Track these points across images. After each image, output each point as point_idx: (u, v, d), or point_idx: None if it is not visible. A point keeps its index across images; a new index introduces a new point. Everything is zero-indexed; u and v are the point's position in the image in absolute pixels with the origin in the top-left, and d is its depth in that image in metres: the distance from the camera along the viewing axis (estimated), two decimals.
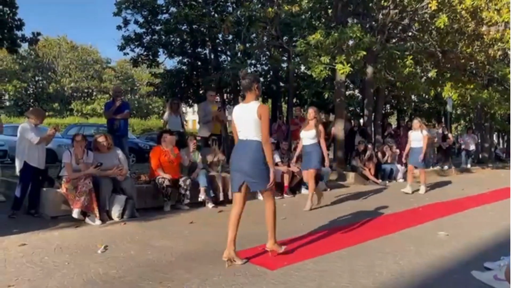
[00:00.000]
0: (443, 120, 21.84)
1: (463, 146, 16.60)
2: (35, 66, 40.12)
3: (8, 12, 11.45)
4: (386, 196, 8.54)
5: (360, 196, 8.46)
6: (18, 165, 5.78)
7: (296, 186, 8.60)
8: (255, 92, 3.81)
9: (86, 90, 43.23)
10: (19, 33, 11.83)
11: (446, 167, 14.61)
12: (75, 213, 5.32)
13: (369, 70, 11.92)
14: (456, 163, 16.36)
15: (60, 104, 40.00)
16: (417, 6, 10.57)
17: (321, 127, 6.72)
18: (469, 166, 16.00)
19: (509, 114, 20.92)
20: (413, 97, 19.78)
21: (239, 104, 3.96)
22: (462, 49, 11.70)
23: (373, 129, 13.31)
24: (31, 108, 6.39)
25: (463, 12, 10.24)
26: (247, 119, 3.75)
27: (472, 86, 13.62)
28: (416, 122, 9.13)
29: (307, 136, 6.76)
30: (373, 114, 13.23)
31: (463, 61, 12.75)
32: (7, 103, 39.51)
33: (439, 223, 5.65)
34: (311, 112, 6.88)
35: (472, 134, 16.88)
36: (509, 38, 10.53)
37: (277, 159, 8.57)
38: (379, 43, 10.97)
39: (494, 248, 4.31)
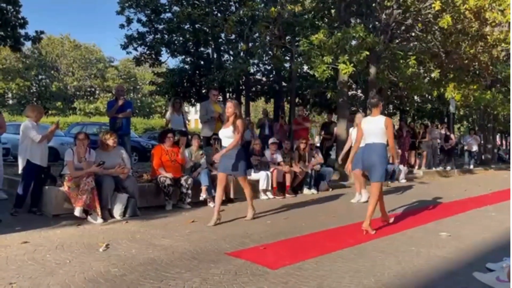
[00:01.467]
0: (445, 120, 21.78)
1: (465, 147, 16.57)
2: (38, 64, 40.25)
3: (12, 10, 11.48)
4: (387, 196, 8.52)
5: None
6: (21, 163, 5.79)
7: (298, 186, 8.61)
8: (379, 109, 5.28)
9: (89, 89, 43.37)
10: (22, 32, 11.87)
11: (448, 167, 14.58)
12: (77, 211, 5.34)
13: (372, 70, 11.88)
14: (458, 164, 16.34)
15: (63, 102, 40.13)
16: (420, 6, 10.54)
17: (239, 122, 5.49)
18: (471, 167, 15.96)
19: None
20: (416, 97, 19.72)
21: (367, 117, 5.45)
22: (465, 50, 11.65)
23: None
24: (27, 106, 6.38)
25: (467, 12, 10.20)
26: (375, 128, 5.18)
27: (475, 87, 13.57)
28: (359, 117, 7.18)
29: (225, 135, 5.62)
30: None
31: (466, 61, 12.70)
32: (10, 102, 39.63)
33: (441, 224, 5.64)
34: (229, 106, 5.65)
35: (475, 135, 16.85)
36: None
37: (279, 159, 8.57)
38: (382, 43, 10.94)
39: (496, 249, 4.30)
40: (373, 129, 5.20)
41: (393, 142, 5.41)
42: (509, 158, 23.10)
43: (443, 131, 15.18)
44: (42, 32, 12.60)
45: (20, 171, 5.82)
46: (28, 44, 17.31)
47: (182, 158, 6.83)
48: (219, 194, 5.58)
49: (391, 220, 5.67)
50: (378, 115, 5.25)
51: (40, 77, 41.21)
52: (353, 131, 7.92)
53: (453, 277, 3.49)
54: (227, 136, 5.59)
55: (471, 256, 4.09)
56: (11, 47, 12.10)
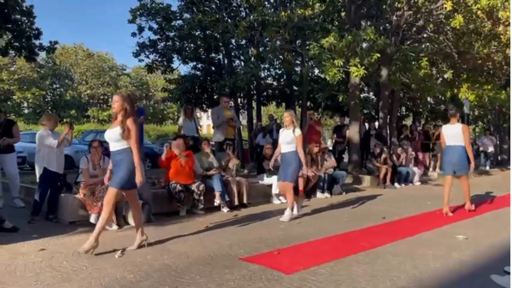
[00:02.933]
0: (460, 122, 21.48)
1: (481, 148, 16.32)
2: (52, 74, 40.89)
3: (26, 21, 11.69)
4: (402, 199, 8.44)
5: (376, 199, 8.39)
6: (38, 171, 5.90)
7: (311, 190, 8.56)
8: (456, 118, 6.66)
9: (102, 97, 43.87)
10: (37, 42, 12.06)
11: None
12: (93, 218, 5.40)
13: (384, 72, 11.82)
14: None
15: (77, 110, 40.65)
16: (431, 7, 10.46)
17: (129, 122, 4.19)
18: (487, 168, 15.72)
19: None
20: (429, 99, 19.51)
21: (447, 125, 6.80)
22: (478, 50, 11.52)
23: (388, 132, 13.19)
24: (43, 115, 6.54)
25: (479, 12, 10.08)
26: (455, 133, 6.48)
27: (489, 87, 13.39)
28: (287, 116, 6.31)
29: (110, 137, 4.33)
30: (388, 116, 13.11)
31: (479, 61, 12.55)
32: (26, 111, 40.31)
33: (457, 226, 5.57)
34: (115, 100, 4.31)
35: (490, 136, 16.60)
36: None
37: None
38: (393, 45, 10.89)
39: None
40: (453, 134, 6.53)
41: (469, 143, 6.58)
42: None
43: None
44: (56, 42, 12.78)
45: (37, 179, 5.92)
46: (42, 54, 17.59)
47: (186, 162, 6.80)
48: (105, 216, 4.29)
49: (472, 207, 6.78)
50: (456, 123, 6.62)
51: (54, 86, 41.87)
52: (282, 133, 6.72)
53: (471, 280, 3.44)
54: (114, 139, 4.27)
55: (488, 259, 4.03)
56: (26, 57, 12.30)
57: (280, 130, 6.47)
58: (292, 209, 6.12)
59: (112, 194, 4.21)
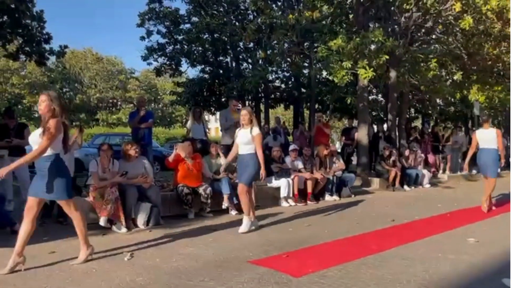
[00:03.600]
0: (470, 123, 21.31)
1: None
2: (62, 78, 41.31)
3: (37, 26, 11.84)
4: (412, 202, 8.38)
5: (385, 202, 8.33)
6: None
7: (319, 192, 8.54)
8: (489, 123, 7.15)
9: (111, 100, 44.22)
10: (47, 47, 12.21)
11: (474, 171, 14.22)
12: (102, 221, 5.44)
13: (392, 74, 11.76)
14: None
15: (86, 114, 41.01)
16: (440, 8, 10.39)
17: (51, 122, 3.71)
18: (498, 170, 15.52)
19: None
20: (438, 100, 19.37)
21: (481, 129, 7.15)
22: (488, 51, 11.42)
23: (397, 134, 13.12)
24: None
25: (489, 13, 10.00)
26: (490, 137, 6.92)
27: (499, 88, 13.25)
28: (245, 114, 5.62)
29: (33, 141, 3.87)
30: (397, 118, 13.05)
31: (489, 63, 12.44)
32: (36, 115, 40.74)
33: (468, 229, 5.51)
34: (42, 100, 3.84)
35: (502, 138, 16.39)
36: None
37: (300, 165, 8.54)
38: (402, 47, 10.83)
39: None
40: (487, 138, 6.97)
41: (502, 146, 7.01)
42: None
43: (461, 133, 14.77)
44: (66, 47, 12.93)
45: None
46: (52, 59, 17.79)
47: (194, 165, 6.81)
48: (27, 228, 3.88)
49: (486, 209, 7.00)
50: (489, 127, 7.07)
51: (64, 90, 42.24)
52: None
53: (482, 284, 3.41)
54: (36, 142, 3.78)
55: (499, 263, 3.98)
56: (36, 61, 12.46)
57: (237, 130, 5.83)
58: (248, 215, 5.50)
59: (29, 204, 3.90)
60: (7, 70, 36.20)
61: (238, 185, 5.59)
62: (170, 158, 6.68)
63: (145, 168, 6.25)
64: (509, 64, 12.34)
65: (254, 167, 5.48)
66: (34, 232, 5.15)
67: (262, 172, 5.49)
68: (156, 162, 12.74)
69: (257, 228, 5.55)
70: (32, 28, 11.70)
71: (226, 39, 15.12)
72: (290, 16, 11.20)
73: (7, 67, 35.44)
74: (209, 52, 16.36)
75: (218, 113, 15.56)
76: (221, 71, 16.63)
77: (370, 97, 15.98)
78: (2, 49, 11.83)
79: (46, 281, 3.47)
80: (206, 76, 17.04)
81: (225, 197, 6.80)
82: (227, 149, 8.44)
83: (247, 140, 5.54)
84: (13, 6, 10.56)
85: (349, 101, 12.10)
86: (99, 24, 74.16)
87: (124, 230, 5.45)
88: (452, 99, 18.39)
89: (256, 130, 5.55)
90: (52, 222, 5.80)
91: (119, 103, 44.68)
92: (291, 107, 18.19)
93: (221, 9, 15.67)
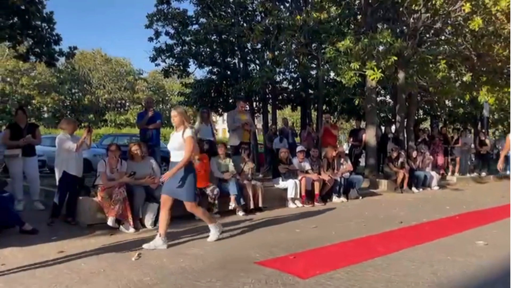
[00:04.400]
0: (479, 125, 21.12)
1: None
2: (71, 79, 41.66)
3: (46, 27, 11.94)
4: (420, 204, 8.33)
5: (393, 204, 8.29)
6: (57, 175, 6.01)
7: (327, 194, 8.52)
8: None
9: (119, 101, 44.51)
10: (56, 48, 12.31)
11: (483, 173, 14.10)
12: (110, 221, 5.47)
13: (401, 75, 11.70)
14: (494, 170, 15.76)
15: (95, 115, 41.30)
16: (449, 9, 10.32)
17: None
18: (508, 172, 15.35)
19: None
20: (447, 102, 19.23)
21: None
22: (498, 52, 11.31)
23: (405, 135, 13.04)
24: (62, 119, 6.69)
25: (498, 14, 9.91)
26: None
27: (509, 90, 13.13)
28: (175, 115, 4.82)
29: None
30: (406, 120, 12.97)
31: (499, 64, 12.31)
32: (46, 115, 41.14)
33: (477, 232, 5.46)
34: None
35: None
36: None
37: (307, 166, 8.53)
38: (410, 48, 10.77)
39: None
40: None
41: None
42: None
43: (482, 138, 14.62)
44: (75, 48, 13.02)
45: (57, 182, 6.03)
46: (62, 60, 17.92)
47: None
48: None
49: None
50: None
51: (73, 90, 42.61)
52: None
53: (491, 287, 3.37)
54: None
55: (509, 265, 3.93)
56: (46, 63, 12.56)
57: (171, 134, 4.99)
58: (212, 223, 5.05)
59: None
60: (17, 71, 36.58)
61: (185, 203, 4.83)
62: None
63: (152, 169, 6.28)
64: None
65: (188, 178, 4.69)
66: (43, 232, 5.22)
67: (165, 177, 4.63)
68: (164, 163, 12.79)
69: (221, 232, 5.06)
70: (42, 29, 11.80)
71: (233, 40, 15.11)
72: (298, 17, 11.18)
73: (17, 68, 35.82)
74: (217, 53, 16.37)
75: (225, 114, 15.58)
76: (228, 72, 16.63)
77: (378, 99, 15.91)
78: (12, 50, 11.95)
79: (55, 280, 3.50)
80: (213, 77, 17.04)
81: (232, 198, 6.81)
82: (235, 149, 8.47)
83: (178, 145, 4.71)
84: (23, 7, 10.67)
85: (357, 102, 12.04)
86: (108, 25, 74.70)
87: (131, 230, 5.48)
88: (461, 101, 18.27)
89: (187, 132, 4.66)
90: (60, 222, 5.85)
91: (127, 104, 44.95)
92: (299, 108, 18.13)
93: (229, 10, 15.68)
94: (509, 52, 11.32)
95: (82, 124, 36.44)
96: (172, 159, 4.82)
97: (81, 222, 5.84)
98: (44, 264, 3.93)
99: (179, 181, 4.64)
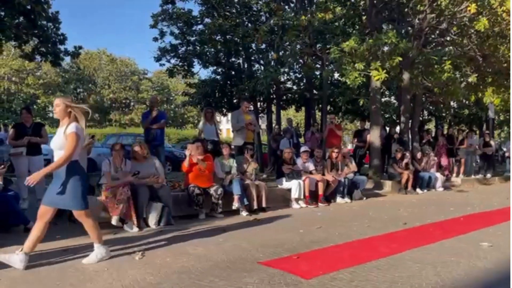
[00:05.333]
0: (484, 126, 21.03)
1: (507, 154, 15.89)
2: (76, 78, 41.89)
3: (52, 27, 11.99)
4: (424, 205, 8.29)
5: (397, 205, 8.26)
6: None
7: (330, 195, 8.51)
8: None
9: (124, 101, 44.67)
10: (62, 47, 12.36)
11: (489, 175, 14.04)
12: (114, 220, 5.48)
13: (406, 76, 11.66)
14: (500, 171, 15.70)
15: (100, 114, 41.48)
16: (455, 9, 10.27)
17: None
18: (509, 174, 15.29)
19: None
20: (452, 103, 19.15)
21: None
22: (504, 53, 11.25)
23: (410, 136, 13.00)
24: None
25: (504, 14, 9.86)
26: None
27: None
28: (58, 103, 3.97)
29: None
30: (410, 121, 12.93)
31: (505, 65, 12.23)
32: (51, 115, 41.34)
33: (482, 234, 5.43)
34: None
35: None
36: None
37: (311, 167, 8.52)
38: (415, 49, 10.73)
39: None
40: None
41: None
42: None
43: (487, 139, 14.56)
44: (80, 47, 13.06)
45: None
46: (67, 59, 18.00)
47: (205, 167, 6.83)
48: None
49: None
50: None
51: (78, 90, 42.84)
52: None
53: None
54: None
55: None
56: (51, 62, 12.61)
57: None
58: (100, 246, 4.07)
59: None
60: (22, 71, 36.81)
61: (73, 212, 4.02)
62: (186, 164, 6.71)
63: (156, 168, 6.30)
64: None
65: (72, 181, 3.80)
66: (47, 231, 5.23)
67: (30, 180, 3.68)
68: (168, 163, 12.83)
69: (108, 257, 4.08)
70: (47, 29, 11.85)
71: (238, 40, 15.13)
72: (303, 17, 11.17)
73: (23, 68, 36.04)
74: (221, 54, 16.40)
75: (229, 114, 15.61)
76: (233, 72, 16.67)
77: (383, 99, 15.88)
78: (18, 50, 12.00)
79: (60, 278, 3.51)
80: (218, 77, 17.09)
81: (236, 198, 6.82)
82: (239, 150, 8.48)
83: (60, 143, 3.78)
84: (29, 7, 10.72)
85: (361, 103, 12.02)
86: (112, 25, 74.97)
87: (135, 229, 5.50)
88: (467, 102, 18.17)
89: (71, 128, 3.75)
90: (65, 221, 5.87)
91: (132, 103, 45.10)
92: (303, 108, 18.13)
93: (234, 11, 15.71)
94: None
95: (87, 124, 36.72)
96: (55, 158, 3.83)
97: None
98: (49, 262, 3.95)
99: (59, 187, 3.76)
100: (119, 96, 43.67)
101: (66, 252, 4.32)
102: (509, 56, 11.36)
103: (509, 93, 12.93)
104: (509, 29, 10.42)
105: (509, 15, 9.83)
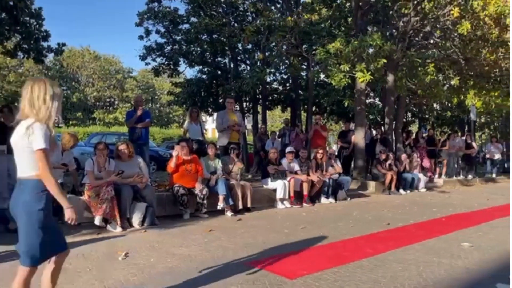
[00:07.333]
0: (466, 128, 21.42)
1: (487, 155, 16.21)
2: (59, 76, 41.16)
3: (35, 23, 11.80)
4: (407, 205, 8.40)
5: (381, 205, 8.35)
6: None
7: (315, 195, 8.55)
8: None
9: (108, 99, 44.15)
10: (45, 44, 12.16)
11: (470, 176, 14.29)
12: (97, 220, 5.42)
13: (390, 78, 11.79)
14: (480, 173, 15.99)
15: (83, 113, 40.91)
16: (438, 13, 10.43)
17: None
18: (494, 175, 15.60)
19: None
20: (435, 105, 19.45)
21: None
22: (485, 56, 11.47)
23: (394, 138, 13.15)
24: (65, 134, 6.62)
25: (486, 18, 10.05)
26: None
27: (496, 94, 13.33)
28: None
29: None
30: (394, 122, 13.09)
31: (487, 68, 12.49)
32: None
33: (463, 234, 5.52)
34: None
35: (497, 143, 16.47)
36: None
37: (296, 167, 8.55)
38: (399, 51, 10.86)
39: None
40: None
41: None
42: None
43: (468, 141, 14.82)
44: (63, 45, 12.87)
45: None
46: (50, 57, 17.71)
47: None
48: None
49: None
50: None
51: (61, 88, 42.14)
52: None
53: None
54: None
55: (494, 267, 3.99)
56: (34, 59, 12.41)
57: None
58: None
59: None
60: (4, 68, 36.07)
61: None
62: (172, 165, 6.65)
63: (140, 168, 6.24)
64: (506, 69, 12.41)
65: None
66: None
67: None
68: (152, 162, 12.71)
69: None
70: (30, 25, 11.66)
71: (224, 40, 15.09)
72: (289, 18, 11.22)
73: (5, 64, 35.31)
74: (208, 53, 16.33)
75: (215, 114, 15.56)
76: (219, 72, 16.62)
77: (367, 101, 16.02)
78: (0, 46, 11.78)
79: (38, 280, 3.44)
80: (204, 76, 17.01)
81: (221, 198, 6.80)
82: (224, 150, 8.45)
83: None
84: (11, 3, 10.53)
85: (346, 104, 12.12)
86: (97, 23, 74.05)
87: (119, 229, 5.43)
88: (449, 104, 18.49)
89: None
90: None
91: (116, 102, 44.59)
92: (289, 109, 18.18)
93: (220, 10, 15.65)
94: (496, 56, 11.49)
95: (70, 122, 36.18)
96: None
97: (67, 221, 5.75)
98: None
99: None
100: (103, 94, 43.12)
101: None
102: (490, 60, 11.59)
103: (490, 96, 13.20)
104: (491, 33, 10.64)
105: (491, 19, 10.03)
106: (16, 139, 2.44)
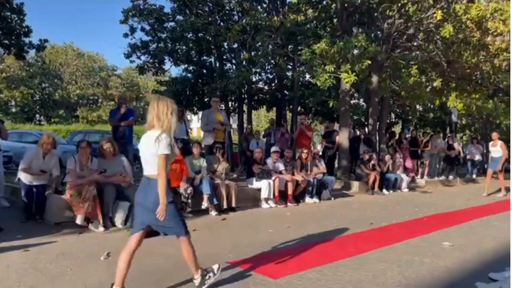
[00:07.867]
0: (448, 130, 21.77)
1: (468, 156, 16.50)
2: (41, 73, 40.45)
3: (16, 19, 11.58)
4: (390, 205, 8.49)
5: (364, 205, 8.42)
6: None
7: (300, 194, 8.58)
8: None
9: (91, 97, 43.54)
10: (26, 40, 11.94)
11: (451, 177, 14.53)
12: (79, 220, 5.34)
13: (374, 79, 11.91)
14: (461, 173, 16.27)
15: (66, 111, 40.27)
16: (422, 16, 10.59)
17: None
18: (474, 176, 15.90)
19: None
20: (418, 106, 19.71)
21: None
22: (467, 59, 11.68)
23: (377, 138, 13.29)
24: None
25: (468, 22, 10.24)
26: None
27: (477, 96, 13.57)
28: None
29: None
30: (378, 123, 13.22)
31: (468, 71, 12.72)
32: (14, 110, 39.80)
33: (444, 234, 5.61)
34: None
35: (478, 144, 16.78)
36: None
37: (281, 167, 8.56)
38: (384, 53, 10.98)
39: (499, 259, 4.27)
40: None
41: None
42: None
43: (450, 142, 15.06)
44: (46, 41, 12.66)
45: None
46: (32, 53, 17.41)
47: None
48: None
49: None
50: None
51: (43, 85, 41.38)
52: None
53: (456, 287, 3.47)
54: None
55: (474, 266, 4.06)
56: (15, 55, 12.19)
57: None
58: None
59: None
60: None
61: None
62: None
63: (123, 167, 6.16)
64: (487, 72, 12.66)
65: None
66: (8, 230, 5.04)
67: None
68: (136, 161, 12.57)
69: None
70: (11, 20, 11.44)
71: (210, 39, 15.01)
72: (275, 18, 11.24)
73: None
74: (193, 52, 16.22)
75: (200, 113, 15.47)
76: (204, 71, 16.53)
77: (352, 101, 16.15)
78: None
79: (19, 279, 3.38)
80: (189, 75, 16.90)
81: (205, 197, 6.78)
82: (209, 149, 8.42)
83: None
84: None
85: (331, 104, 12.20)
86: (81, 20, 72.99)
87: (101, 229, 5.37)
88: (432, 105, 18.77)
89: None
90: (27, 220, 5.67)
91: (100, 100, 44.01)
92: (274, 109, 18.20)
93: (206, 9, 15.57)
94: (477, 59, 11.70)
95: (52, 120, 35.57)
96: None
97: (48, 220, 5.67)
98: (8, 263, 3.80)
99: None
100: (86, 92, 42.51)
101: (27, 252, 4.17)
102: (472, 63, 11.80)
103: (471, 98, 13.44)
104: (473, 36, 10.84)
105: (473, 23, 10.22)
106: (146, 145, 3.11)
